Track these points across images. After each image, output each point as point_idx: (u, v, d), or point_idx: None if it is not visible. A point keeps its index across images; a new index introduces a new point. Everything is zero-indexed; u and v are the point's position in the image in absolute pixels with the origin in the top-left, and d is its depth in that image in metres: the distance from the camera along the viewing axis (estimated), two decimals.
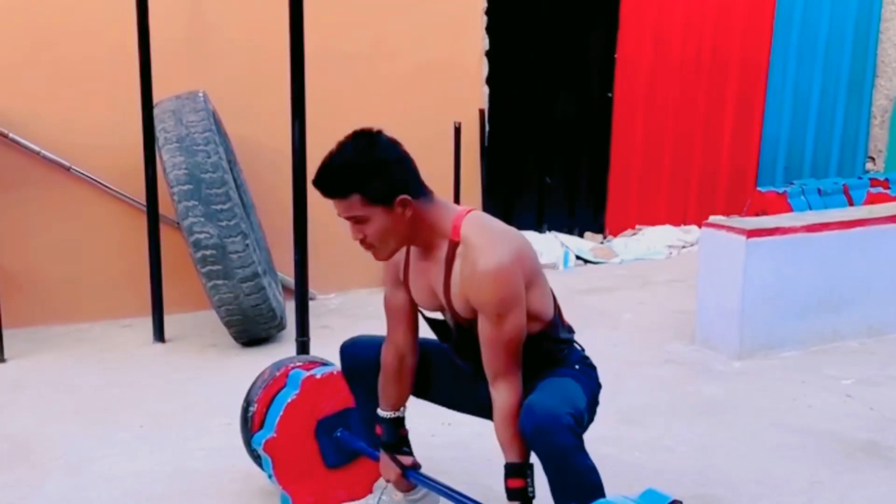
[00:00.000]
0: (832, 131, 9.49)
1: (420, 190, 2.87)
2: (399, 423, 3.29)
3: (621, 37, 8.37)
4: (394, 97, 6.97)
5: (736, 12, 8.83)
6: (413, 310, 3.18)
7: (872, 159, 9.68)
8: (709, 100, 8.87)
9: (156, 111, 5.73)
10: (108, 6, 5.97)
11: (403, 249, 3.05)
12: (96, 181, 6.13)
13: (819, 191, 8.28)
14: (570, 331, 3.19)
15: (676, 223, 8.78)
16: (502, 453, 2.89)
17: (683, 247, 8.42)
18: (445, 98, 7.27)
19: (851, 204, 8.15)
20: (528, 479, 2.86)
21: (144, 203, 5.88)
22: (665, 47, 8.57)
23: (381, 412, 3.28)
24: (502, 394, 2.86)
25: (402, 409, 3.29)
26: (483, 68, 7.56)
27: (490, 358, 2.86)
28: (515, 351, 2.85)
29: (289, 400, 3.53)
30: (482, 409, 3.07)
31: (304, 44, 4.57)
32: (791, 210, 7.84)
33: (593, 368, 3.17)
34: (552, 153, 8.15)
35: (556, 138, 8.17)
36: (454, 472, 3.74)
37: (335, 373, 3.58)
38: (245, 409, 3.68)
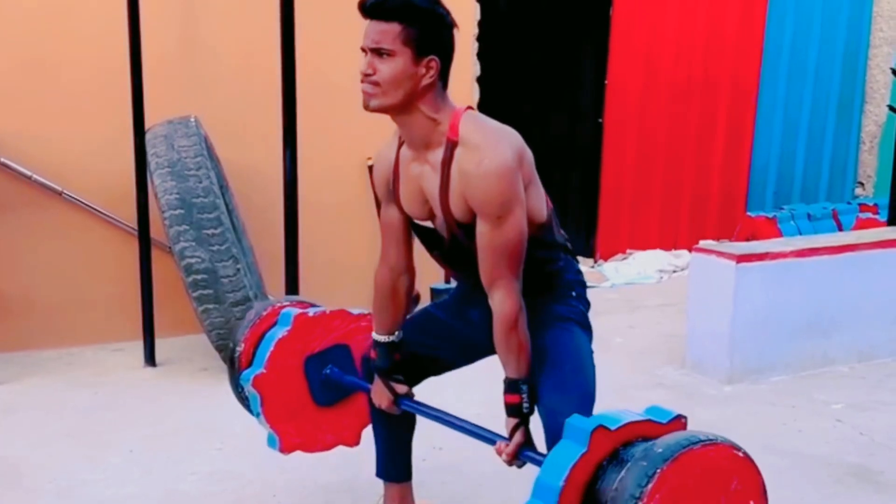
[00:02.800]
0: (821, 156, 9.54)
1: (446, 74, 2.84)
2: (394, 347, 3.24)
3: (612, 61, 8.43)
4: (386, 124, 6.96)
5: (726, 37, 8.90)
6: (405, 226, 3.12)
7: (862, 184, 9.74)
8: (699, 124, 8.92)
9: (147, 136, 5.74)
10: (99, 31, 5.99)
11: (392, 156, 3.03)
12: (88, 206, 6.14)
13: (809, 216, 8.33)
14: (566, 239, 3.16)
15: (667, 248, 8.82)
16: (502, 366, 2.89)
17: (674, 271, 8.45)
18: None
19: (841, 229, 8.20)
20: (524, 396, 2.84)
21: (136, 227, 5.89)
22: (655, 72, 8.63)
23: (375, 336, 3.24)
24: (500, 301, 2.82)
25: (396, 333, 3.23)
26: (474, 94, 7.59)
27: (488, 264, 2.82)
28: (515, 255, 2.80)
29: (280, 336, 3.44)
30: (480, 351, 3.13)
31: (296, 72, 4.60)
32: (781, 235, 7.89)
33: (588, 302, 3.16)
34: (543, 178, 8.06)
35: (546, 163, 8.13)
36: (445, 497, 3.75)
37: (327, 312, 3.52)
38: (231, 351, 3.57)
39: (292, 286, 4.75)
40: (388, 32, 2.76)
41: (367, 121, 6.94)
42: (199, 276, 5.41)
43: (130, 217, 5.98)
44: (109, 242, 6.24)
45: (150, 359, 5.90)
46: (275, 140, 5.87)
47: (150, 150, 5.67)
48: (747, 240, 7.74)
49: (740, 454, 2.42)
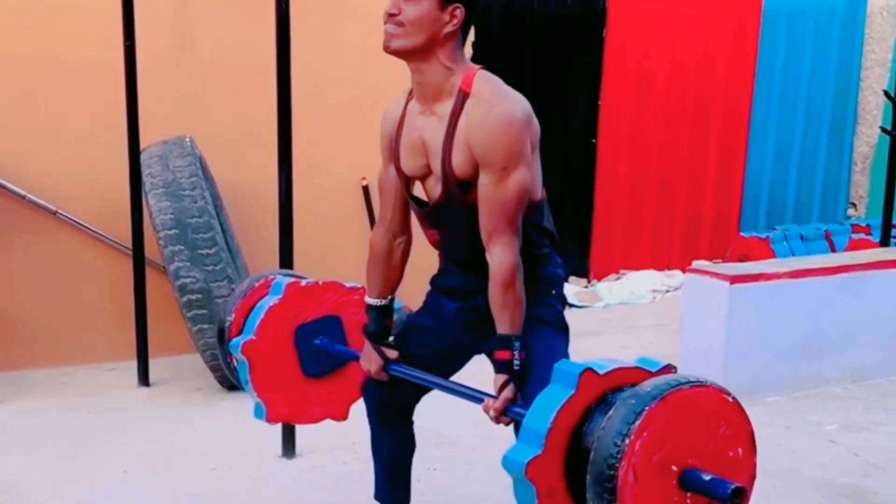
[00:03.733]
0: (814, 177, 9.58)
1: (467, 28, 2.93)
2: (385, 311, 3.24)
3: (605, 82, 8.46)
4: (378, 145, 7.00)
5: (718, 58, 8.94)
6: (403, 187, 3.14)
7: (854, 205, 9.77)
8: (692, 145, 8.95)
9: (143, 156, 5.75)
10: (94, 51, 6.00)
11: (398, 111, 3.07)
12: (82, 225, 6.14)
13: (801, 236, 8.35)
14: (553, 227, 3.18)
15: (660, 268, 8.83)
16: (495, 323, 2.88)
17: (667, 291, 8.46)
18: None
19: (834, 250, 8.22)
20: (515, 352, 2.83)
21: (130, 247, 5.89)
22: (649, 93, 8.66)
23: (368, 299, 3.25)
24: (498, 256, 2.84)
25: (389, 297, 3.24)
26: None
27: (489, 217, 2.84)
28: (515, 211, 2.84)
29: (271, 304, 3.39)
30: (464, 351, 3.18)
31: (291, 90, 4.61)
32: (774, 255, 7.91)
33: (566, 301, 3.17)
34: None
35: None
36: None
37: (319, 283, 3.48)
38: (221, 322, 3.52)
39: None
40: None
41: (361, 139, 7.01)
42: (193, 297, 5.41)
43: (124, 237, 5.98)
44: (103, 262, 6.25)
45: (144, 379, 5.89)
46: (269, 159, 5.85)
47: (145, 170, 5.68)
48: (740, 260, 7.76)
49: (729, 399, 2.37)
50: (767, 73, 9.21)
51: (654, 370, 2.44)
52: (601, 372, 2.41)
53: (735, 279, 5.42)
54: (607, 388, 2.41)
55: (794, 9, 9.21)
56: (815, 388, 5.70)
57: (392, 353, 3.22)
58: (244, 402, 5.09)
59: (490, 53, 7.70)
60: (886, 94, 6.75)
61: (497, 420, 2.81)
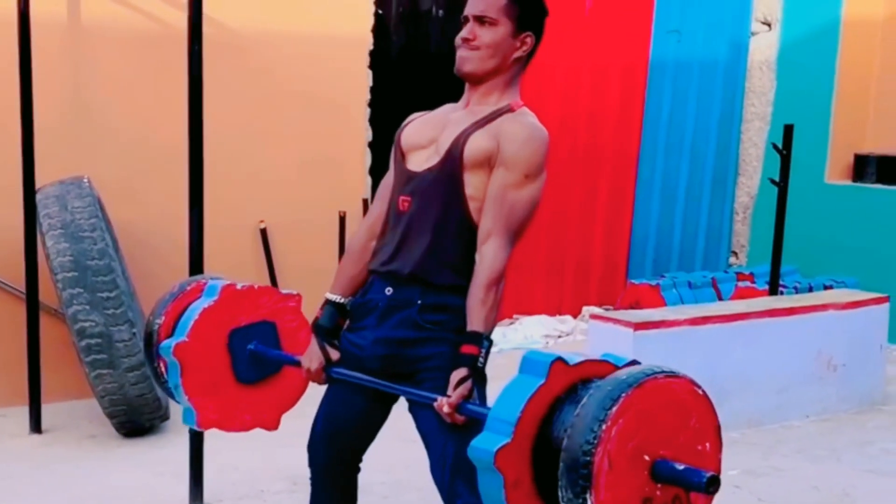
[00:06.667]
0: (698, 226, 9.79)
1: (530, 58, 3.09)
2: (342, 311, 3.20)
3: None
4: (282, 187, 6.98)
5: (608, 108, 9.11)
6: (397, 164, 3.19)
7: (735, 254, 10.01)
8: (583, 192, 9.08)
9: (39, 196, 5.60)
10: None
11: (435, 112, 3.18)
12: None
13: (689, 284, 8.51)
14: None
15: (552, 313, 8.91)
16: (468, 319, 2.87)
17: (559, 336, 8.54)
18: (331, 188, 7.28)
19: (720, 297, 8.40)
20: (483, 350, 2.84)
21: (23, 290, 5.71)
22: None
23: (329, 294, 3.21)
24: (492, 253, 2.89)
25: (349, 298, 3.19)
26: (366, 159, 7.60)
27: (494, 216, 2.92)
28: (520, 220, 2.94)
29: (206, 305, 3.30)
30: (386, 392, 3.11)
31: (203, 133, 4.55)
32: (664, 302, 8.04)
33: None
34: None
35: None
36: None
37: (255, 287, 3.42)
38: (148, 325, 3.40)
39: None
40: (495, 3, 2.98)
41: (264, 186, 6.92)
42: (92, 341, 5.27)
43: (17, 279, 5.80)
44: None
45: (36, 425, 5.69)
46: (170, 201, 5.79)
47: (41, 211, 5.53)
48: (630, 307, 7.87)
49: (700, 391, 2.42)
50: (654, 124, 9.41)
51: (620, 365, 2.47)
52: (571, 363, 2.42)
53: (639, 326, 5.51)
54: (577, 380, 2.42)
55: (680, 62, 9.45)
56: None
57: (335, 354, 3.17)
58: (143, 450, 5.00)
59: (389, 102, 7.70)
60: (775, 146, 6.95)
61: (451, 417, 2.79)
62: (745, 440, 5.81)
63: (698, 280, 8.60)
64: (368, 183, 7.67)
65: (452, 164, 2.96)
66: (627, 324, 5.53)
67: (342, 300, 3.20)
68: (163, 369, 3.33)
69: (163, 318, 3.37)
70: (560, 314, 8.95)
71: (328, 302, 3.22)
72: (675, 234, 9.68)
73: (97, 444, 5.55)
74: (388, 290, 3.06)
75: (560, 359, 2.41)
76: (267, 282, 6.79)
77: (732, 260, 9.99)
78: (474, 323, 2.86)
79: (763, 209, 9.25)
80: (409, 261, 3.02)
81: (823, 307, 6.33)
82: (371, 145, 7.65)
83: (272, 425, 3.49)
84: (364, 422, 3.24)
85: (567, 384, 2.42)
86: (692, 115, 9.62)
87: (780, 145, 6.92)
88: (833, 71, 9.11)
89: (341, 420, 3.21)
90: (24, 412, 5.72)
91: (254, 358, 3.39)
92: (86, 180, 5.70)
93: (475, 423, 2.69)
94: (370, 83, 7.58)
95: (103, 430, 5.66)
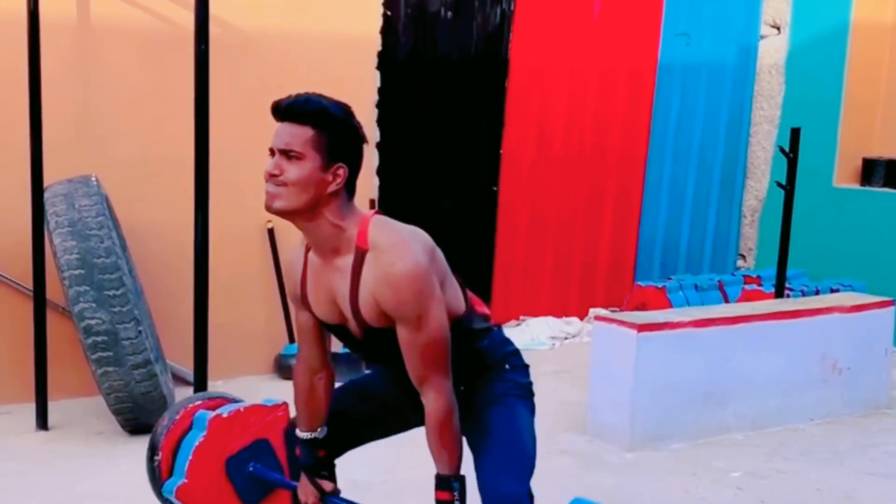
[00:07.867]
0: (706, 229, 9.80)
1: (352, 184, 2.85)
2: (316, 444, 3.21)
3: (507, 132, 8.54)
4: None
5: (616, 111, 9.10)
6: (319, 327, 3.10)
7: (743, 257, 10.01)
8: (590, 195, 9.08)
9: (46, 194, 5.63)
10: None
11: (300, 262, 3.00)
12: None
13: (696, 286, 8.52)
14: (487, 319, 3.17)
15: (558, 314, 8.91)
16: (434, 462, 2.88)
17: (566, 338, 8.55)
18: None
19: (727, 300, 8.40)
20: (455, 494, 2.84)
21: (30, 287, 5.74)
22: (548, 143, 8.77)
23: (299, 433, 3.22)
24: (432, 401, 2.84)
25: (319, 430, 3.20)
26: (374, 159, 7.63)
27: (415, 365, 2.83)
28: (440, 353, 2.83)
29: (197, 443, 3.39)
30: (414, 422, 3.11)
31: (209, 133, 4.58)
32: (670, 304, 8.04)
33: (526, 368, 3.22)
34: (439, 244, 8.17)
35: (443, 229, 8.19)
36: None
37: (241, 409, 3.48)
38: (150, 459, 3.52)
39: (201, 351, 4.68)
40: (300, 136, 2.75)
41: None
42: (98, 338, 5.30)
43: (25, 276, 5.83)
44: (1, 303, 6.07)
45: (42, 422, 5.72)
46: (177, 201, 5.81)
47: (49, 209, 5.56)
48: (636, 308, 7.87)
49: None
50: (662, 127, 9.41)
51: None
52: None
53: (642, 328, 5.51)
54: None
55: (688, 65, 9.46)
56: (717, 435, 5.81)
57: (328, 486, 3.23)
58: (147, 446, 4.99)
59: (397, 103, 7.74)
60: (782, 150, 6.96)
61: None
62: (749, 442, 5.81)
63: (705, 283, 8.60)
64: (376, 183, 7.70)
65: (374, 336, 2.92)
66: (631, 325, 5.54)
67: (314, 435, 3.21)
68: None
69: (161, 453, 3.48)
70: (567, 316, 8.96)
71: (302, 441, 3.22)
72: (682, 237, 9.69)
73: (103, 441, 5.58)
74: None
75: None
76: (274, 281, 6.82)
77: (740, 263, 10.00)
78: (440, 466, 2.88)
79: (771, 212, 9.26)
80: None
81: (828, 310, 6.33)
82: (379, 146, 7.67)
83: None
84: (370, 422, 3.31)
85: None
86: (700, 119, 9.63)
87: (787, 149, 6.92)
88: (842, 75, 9.11)
89: (355, 410, 3.29)
90: (30, 409, 5.75)
91: (255, 479, 3.50)
92: (93, 179, 5.74)
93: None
94: (378, 84, 7.60)
95: (109, 426, 5.69)
